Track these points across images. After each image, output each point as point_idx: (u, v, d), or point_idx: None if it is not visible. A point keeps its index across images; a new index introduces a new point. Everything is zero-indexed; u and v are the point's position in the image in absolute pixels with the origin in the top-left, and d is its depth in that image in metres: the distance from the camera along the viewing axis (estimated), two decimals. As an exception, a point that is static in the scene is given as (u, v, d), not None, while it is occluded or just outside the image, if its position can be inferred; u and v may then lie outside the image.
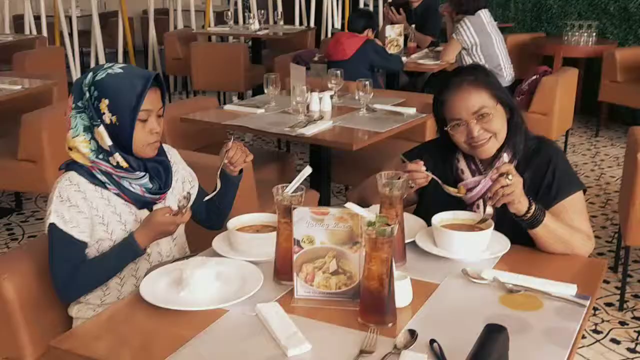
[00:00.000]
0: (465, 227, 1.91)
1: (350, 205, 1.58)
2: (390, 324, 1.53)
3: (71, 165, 1.91)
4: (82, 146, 1.87)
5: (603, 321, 3.15)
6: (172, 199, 2.03)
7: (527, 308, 1.61)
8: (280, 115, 3.50)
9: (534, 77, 4.93)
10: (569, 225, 1.93)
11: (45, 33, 7.32)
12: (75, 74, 7.28)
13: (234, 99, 6.92)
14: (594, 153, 5.77)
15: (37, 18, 7.50)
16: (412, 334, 1.47)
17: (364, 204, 2.15)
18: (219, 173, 2.06)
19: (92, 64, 7.53)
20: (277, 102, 3.66)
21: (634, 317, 3.18)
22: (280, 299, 1.67)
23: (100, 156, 1.88)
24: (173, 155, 2.13)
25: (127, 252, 1.89)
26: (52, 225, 1.84)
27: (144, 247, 1.89)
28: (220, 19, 8.43)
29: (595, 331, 3.06)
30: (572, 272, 1.85)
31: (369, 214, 1.56)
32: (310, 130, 3.14)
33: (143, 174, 1.92)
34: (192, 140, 3.72)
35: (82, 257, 1.89)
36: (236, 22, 8.05)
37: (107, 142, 1.85)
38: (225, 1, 10.67)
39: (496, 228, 1.93)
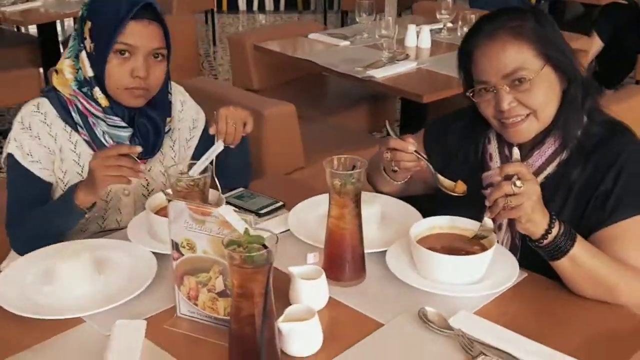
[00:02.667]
0: (459, 242, 1.35)
1: (223, 211, 1.11)
2: (265, 385, 1.07)
3: (47, 92, 1.61)
4: (67, 71, 1.57)
5: None
6: (158, 169, 1.66)
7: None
8: (366, 50, 2.96)
9: None
10: (618, 261, 1.29)
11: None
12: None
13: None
14: None
15: None
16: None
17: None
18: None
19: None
20: (372, 34, 3.10)
21: None
22: (163, 312, 1.26)
23: (84, 89, 1.56)
24: (184, 102, 1.74)
25: (63, 207, 1.53)
26: (10, 156, 1.57)
27: (82, 204, 1.49)
28: None
29: None
30: (607, 335, 1.23)
31: (241, 223, 1.07)
32: (382, 73, 2.59)
33: (124, 124, 1.58)
34: (277, 74, 3.32)
35: (41, 198, 1.59)
36: None
37: (89, 71, 1.54)
38: None
39: (523, 243, 1.36)
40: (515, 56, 1.35)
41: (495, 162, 1.48)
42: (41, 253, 1.41)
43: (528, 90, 1.36)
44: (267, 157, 2.34)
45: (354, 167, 1.29)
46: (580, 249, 1.26)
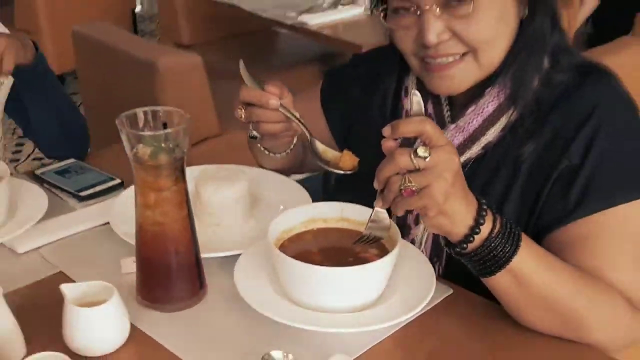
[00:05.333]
0: (347, 243, 0.87)
1: None
2: None
3: None
4: None
5: None
6: None
7: None
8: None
9: None
10: (589, 275, 0.82)
11: None
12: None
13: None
14: None
15: None
16: None
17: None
18: None
19: None
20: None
21: None
22: None
23: None
24: None
25: None
26: None
27: None
28: None
29: None
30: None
31: None
32: (319, 19, 2.09)
33: None
34: (213, 27, 2.85)
35: None
36: None
37: None
38: None
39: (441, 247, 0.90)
40: None
41: (414, 121, 1.00)
42: None
43: (469, 16, 0.86)
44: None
45: (165, 126, 0.81)
46: (527, 258, 0.78)
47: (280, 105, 0.92)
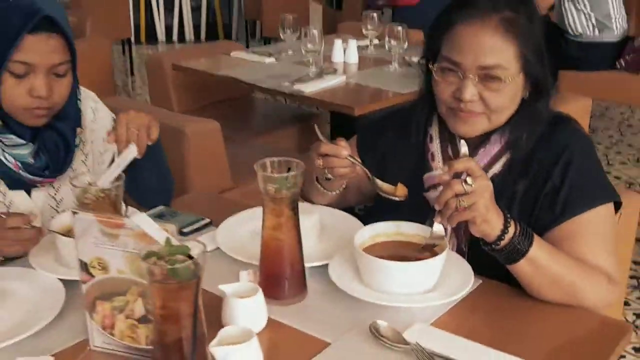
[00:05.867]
0: (406, 250, 1.23)
1: (139, 219, 0.95)
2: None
3: None
4: None
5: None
6: (67, 190, 1.47)
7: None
8: (292, 66, 2.86)
9: (652, 31, 3.94)
10: (577, 259, 1.20)
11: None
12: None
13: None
14: None
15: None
16: None
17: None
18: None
19: None
20: (297, 51, 2.99)
21: None
22: (74, 347, 1.08)
23: None
24: (96, 110, 1.57)
25: None
26: None
27: None
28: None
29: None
30: (571, 340, 1.12)
31: (161, 233, 0.92)
32: (311, 87, 2.48)
33: (23, 142, 1.41)
34: (198, 96, 3.17)
35: None
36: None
37: None
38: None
39: (471, 249, 1.25)
40: (499, 51, 1.24)
41: (438, 161, 1.37)
42: None
43: (496, 90, 1.25)
44: (191, 178, 2.18)
45: (289, 170, 1.15)
46: (539, 249, 1.16)
47: (349, 154, 1.27)
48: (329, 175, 1.30)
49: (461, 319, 1.14)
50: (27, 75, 1.33)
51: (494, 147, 1.33)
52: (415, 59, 2.77)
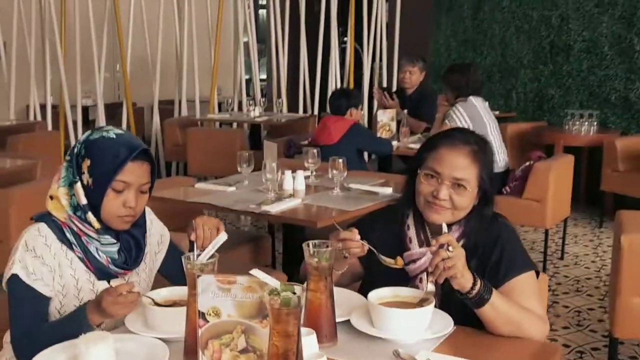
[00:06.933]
0: (405, 306, 1.74)
1: (255, 272, 1.42)
2: (299, 414, 1.34)
3: (42, 217, 1.83)
4: (63, 198, 1.81)
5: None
6: (135, 278, 1.91)
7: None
8: (251, 193, 3.39)
9: (528, 163, 4.79)
10: (520, 306, 1.75)
11: (50, 121, 7.29)
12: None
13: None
14: (596, 244, 5.54)
15: (44, 107, 7.54)
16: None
17: None
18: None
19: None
20: (252, 181, 3.56)
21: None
22: (185, 380, 1.49)
23: (78, 213, 1.80)
24: (152, 220, 2.03)
25: (75, 326, 1.68)
26: (14, 276, 1.75)
27: (94, 324, 1.70)
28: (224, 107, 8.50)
29: None
30: (525, 356, 1.65)
31: (274, 281, 1.40)
32: (275, 208, 3.01)
33: (114, 241, 1.83)
34: (169, 221, 3.59)
35: (44, 313, 1.78)
36: (240, 109, 8.09)
37: (83, 199, 1.79)
38: (238, 92, 10.83)
39: (442, 308, 1.76)
40: (467, 170, 1.85)
41: (415, 244, 1.92)
42: (63, 344, 1.58)
43: (462, 195, 1.85)
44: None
45: (327, 247, 1.65)
46: (497, 298, 1.70)
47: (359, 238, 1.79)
48: (346, 254, 1.80)
49: (445, 350, 1.64)
50: (123, 191, 1.78)
51: (454, 234, 1.89)
52: (353, 186, 3.41)
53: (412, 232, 1.94)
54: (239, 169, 3.54)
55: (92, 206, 1.79)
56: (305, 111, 8.60)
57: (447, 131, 1.96)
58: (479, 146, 1.88)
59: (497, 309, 1.69)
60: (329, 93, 8.49)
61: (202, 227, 1.82)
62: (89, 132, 1.83)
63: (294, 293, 1.35)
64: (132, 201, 1.79)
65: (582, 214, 6.37)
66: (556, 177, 4.66)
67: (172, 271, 2.00)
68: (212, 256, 1.62)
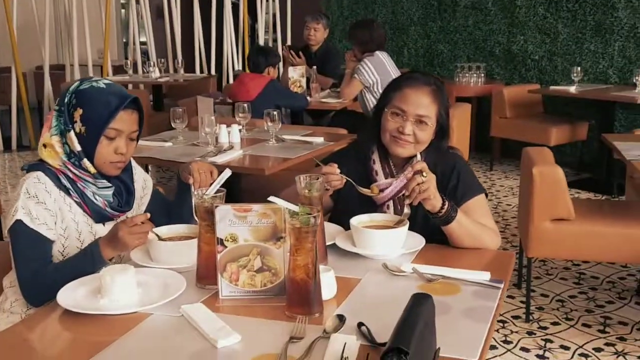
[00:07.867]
0: (385, 228, 1.97)
1: (273, 199, 1.60)
2: (317, 314, 1.55)
3: (36, 166, 1.90)
4: (57, 145, 1.88)
5: (512, 332, 3.26)
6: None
7: (446, 293, 1.67)
8: (189, 147, 3.50)
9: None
10: (478, 222, 2.03)
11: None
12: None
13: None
14: (489, 185, 6.04)
15: None
16: (341, 318, 1.50)
17: None
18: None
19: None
20: (185, 136, 3.66)
21: (540, 327, 3.31)
22: (205, 301, 1.65)
23: (72, 160, 1.88)
24: (135, 167, 2.13)
25: (89, 261, 1.81)
26: (19, 222, 1.81)
27: (108, 257, 1.83)
28: (119, 71, 8.35)
29: (506, 341, 3.17)
30: (484, 262, 1.94)
31: (292, 205, 1.58)
32: (221, 159, 3.14)
33: (109, 184, 1.94)
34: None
35: (49, 256, 1.87)
36: (135, 71, 7.99)
37: (77, 146, 1.87)
38: (122, 56, 10.61)
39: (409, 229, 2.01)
40: (428, 107, 2.07)
41: (381, 176, 2.15)
42: (82, 279, 1.69)
43: (423, 130, 2.08)
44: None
45: (317, 179, 1.84)
46: (461, 215, 1.97)
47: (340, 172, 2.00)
48: (327, 187, 2.00)
49: (421, 262, 1.88)
50: (115, 139, 1.88)
51: (417, 158, 2.14)
52: (286, 137, 3.59)
53: (377, 166, 2.17)
54: (172, 125, 3.63)
55: (86, 153, 1.88)
56: (202, 72, 8.61)
57: (409, 73, 2.19)
58: (437, 86, 2.12)
59: (461, 225, 1.96)
60: (225, 54, 8.58)
61: (198, 172, 1.98)
62: (77, 82, 1.92)
63: (310, 214, 1.54)
64: (123, 148, 1.90)
65: (474, 159, 6.87)
66: (457, 125, 5.03)
67: (156, 213, 2.12)
68: (219, 191, 1.77)
